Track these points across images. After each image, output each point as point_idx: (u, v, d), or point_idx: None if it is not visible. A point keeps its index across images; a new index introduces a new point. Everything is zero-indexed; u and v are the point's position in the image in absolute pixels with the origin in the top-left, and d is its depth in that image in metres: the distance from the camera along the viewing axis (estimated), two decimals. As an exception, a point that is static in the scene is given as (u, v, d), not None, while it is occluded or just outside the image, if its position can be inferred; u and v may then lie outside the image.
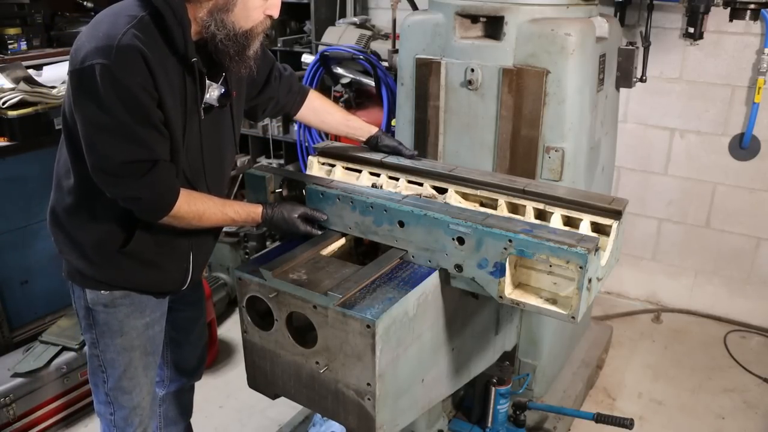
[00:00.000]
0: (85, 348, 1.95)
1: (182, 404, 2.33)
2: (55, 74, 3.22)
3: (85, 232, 1.76)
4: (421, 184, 1.97)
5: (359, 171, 2.08)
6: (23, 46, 3.49)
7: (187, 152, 1.71)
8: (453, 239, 1.66)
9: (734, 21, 3.01)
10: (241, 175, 4.24)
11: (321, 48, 3.90)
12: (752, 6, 2.87)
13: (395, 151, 2.09)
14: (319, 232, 1.88)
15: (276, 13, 1.68)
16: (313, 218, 1.87)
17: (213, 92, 1.72)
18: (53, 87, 3.07)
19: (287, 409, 2.80)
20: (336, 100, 4.06)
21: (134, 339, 1.89)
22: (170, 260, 1.86)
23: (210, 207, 1.74)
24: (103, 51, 1.48)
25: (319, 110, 2.16)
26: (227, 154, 1.92)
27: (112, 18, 1.56)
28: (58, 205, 1.79)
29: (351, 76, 3.89)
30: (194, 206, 1.70)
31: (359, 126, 2.17)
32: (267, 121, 4.71)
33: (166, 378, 2.24)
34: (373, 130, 2.15)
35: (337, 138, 3.92)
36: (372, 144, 2.14)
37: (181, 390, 2.30)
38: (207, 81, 1.71)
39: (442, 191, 1.93)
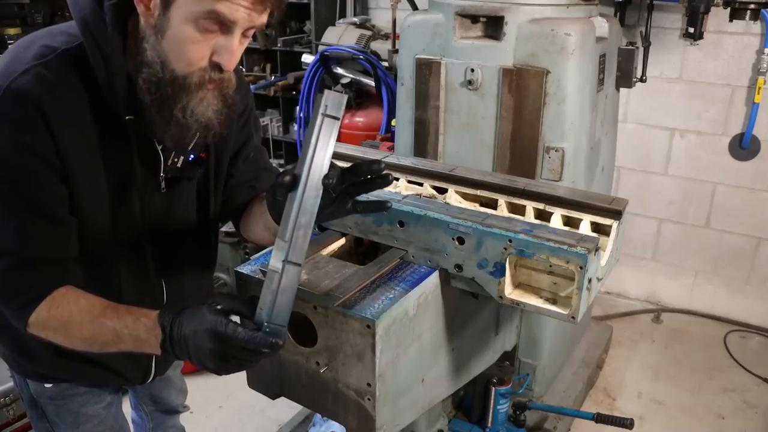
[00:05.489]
0: None
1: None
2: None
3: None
4: (421, 184, 1.97)
5: (359, 171, 2.07)
6: (23, 46, 3.49)
7: (122, 239, 1.31)
8: (453, 239, 1.66)
9: (734, 21, 3.02)
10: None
11: (321, 48, 3.90)
12: (752, 6, 2.88)
13: None
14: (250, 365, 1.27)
15: (227, 63, 1.12)
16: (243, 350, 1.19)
17: (176, 159, 1.24)
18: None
19: (287, 409, 2.80)
20: (336, 100, 4.06)
21: (96, 426, 1.57)
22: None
23: (84, 315, 1.20)
24: None
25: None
26: (192, 241, 1.47)
27: (22, 48, 1.15)
28: None
29: (351, 76, 3.89)
30: (57, 312, 1.19)
31: None
32: (267, 121, 4.68)
33: (148, 421, 1.98)
34: None
35: (337, 138, 3.93)
36: None
37: (166, 424, 2.04)
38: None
39: (442, 191, 1.93)
